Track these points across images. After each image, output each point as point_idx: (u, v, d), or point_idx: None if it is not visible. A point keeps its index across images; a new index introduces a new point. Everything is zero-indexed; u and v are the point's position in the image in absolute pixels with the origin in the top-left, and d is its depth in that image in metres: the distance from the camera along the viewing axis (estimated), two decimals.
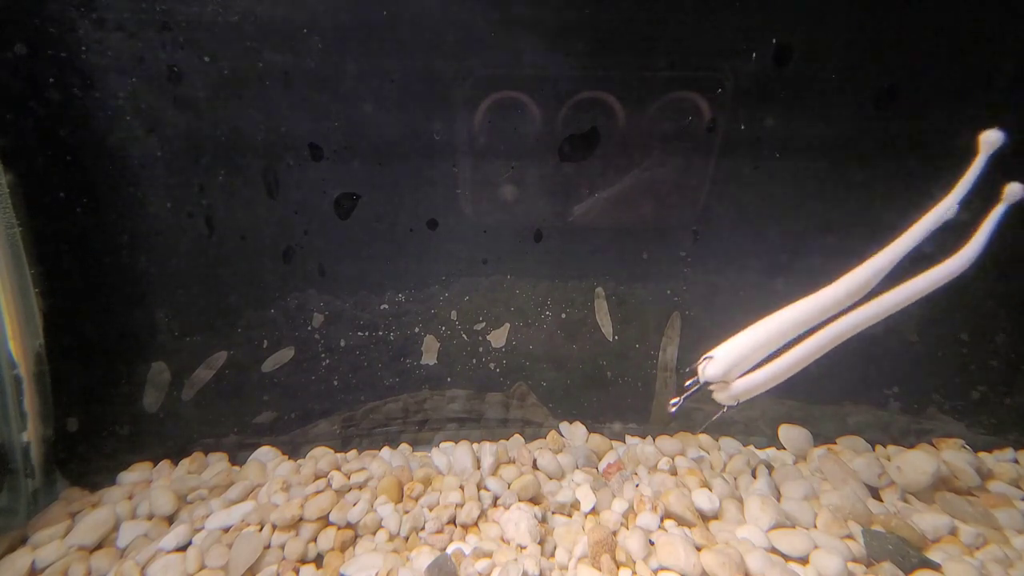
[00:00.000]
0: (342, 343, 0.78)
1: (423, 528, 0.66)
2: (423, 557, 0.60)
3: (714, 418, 0.56)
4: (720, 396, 0.53)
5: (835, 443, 0.80)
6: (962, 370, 0.78)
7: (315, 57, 0.65)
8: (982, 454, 0.77)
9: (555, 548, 0.63)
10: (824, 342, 0.53)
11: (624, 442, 0.82)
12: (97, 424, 0.74)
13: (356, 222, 0.73)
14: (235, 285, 0.74)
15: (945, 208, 0.52)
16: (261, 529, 0.64)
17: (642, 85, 0.68)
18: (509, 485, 0.70)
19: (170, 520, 0.68)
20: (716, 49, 0.67)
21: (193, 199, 0.70)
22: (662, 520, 0.65)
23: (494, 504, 0.69)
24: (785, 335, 0.52)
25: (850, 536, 0.63)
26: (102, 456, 0.75)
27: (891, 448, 0.80)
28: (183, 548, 0.63)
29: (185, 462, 0.77)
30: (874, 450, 0.79)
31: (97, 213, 0.68)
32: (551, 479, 0.73)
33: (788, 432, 0.80)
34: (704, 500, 0.67)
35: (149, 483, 0.73)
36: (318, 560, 0.63)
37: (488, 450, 0.76)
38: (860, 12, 0.65)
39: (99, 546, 0.64)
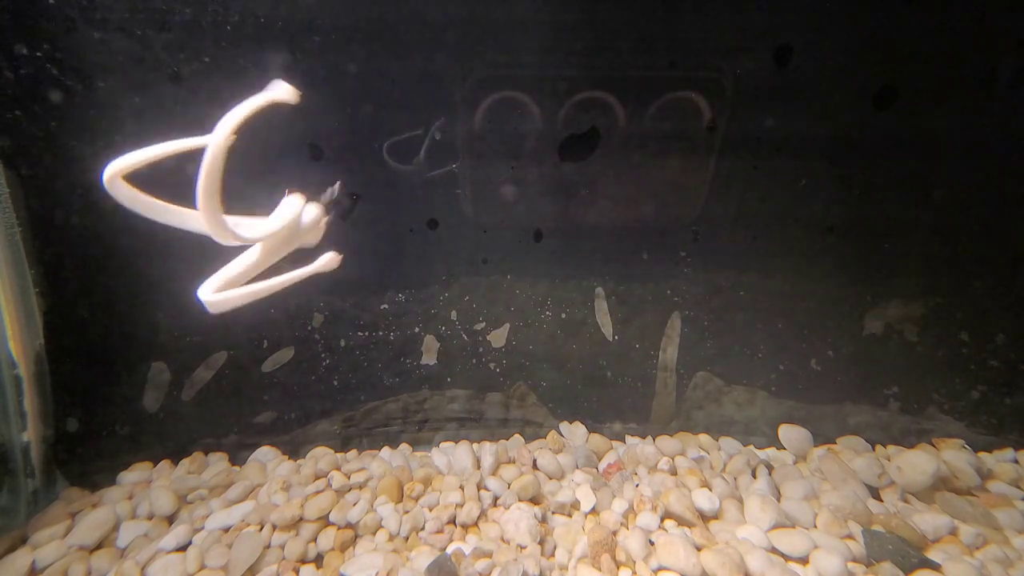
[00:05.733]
0: (342, 343, 0.78)
1: (423, 528, 0.66)
2: (423, 557, 0.60)
3: None
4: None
5: (835, 443, 0.80)
6: (962, 370, 0.78)
7: (315, 57, 0.65)
8: (982, 454, 0.77)
9: (555, 548, 0.63)
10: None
11: (624, 442, 0.82)
12: (97, 424, 0.74)
13: (356, 222, 0.73)
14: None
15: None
16: (261, 529, 0.64)
17: (642, 85, 0.68)
18: (509, 485, 0.70)
19: (170, 520, 0.68)
20: (716, 49, 0.67)
21: (193, 199, 0.70)
22: (662, 520, 0.65)
23: (494, 504, 0.69)
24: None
25: (850, 536, 0.63)
26: (102, 456, 0.75)
27: (891, 448, 0.80)
28: (183, 548, 0.63)
29: (185, 462, 0.77)
30: (874, 450, 0.79)
31: (97, 213, 0.68)
32: (551, 479, 0.73)
33: (788, 432, 0.80)
34: (704, 500, 0.67)
35: (149, 483, 0.73)
36: (318, 560, 0.63)
37: (488, 450, 0.76)
38: (860, 12, 0.65)
39: (99, 546, 0.64)
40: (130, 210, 0.48)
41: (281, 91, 0.47)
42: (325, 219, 0.55)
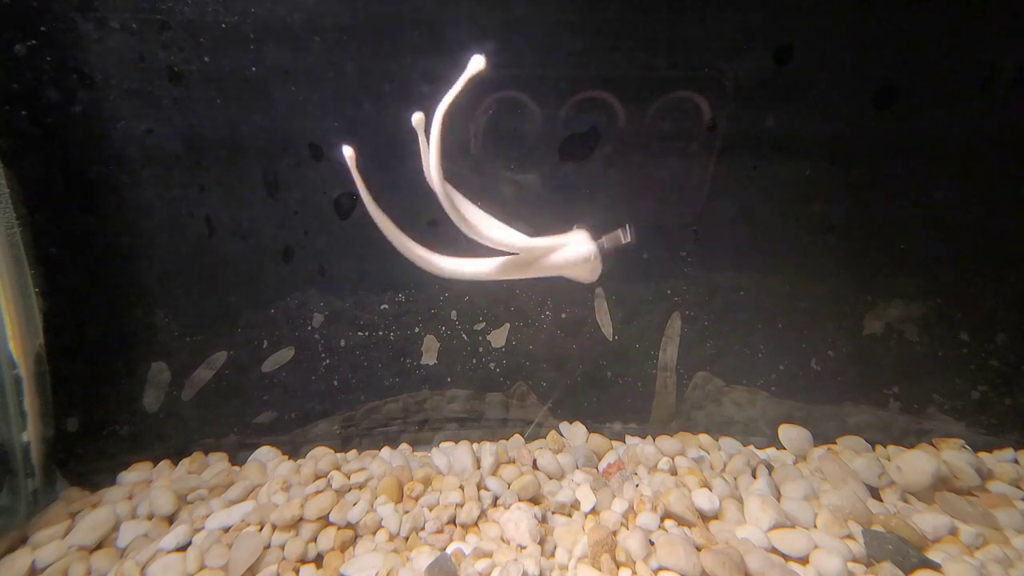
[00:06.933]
0: (342, 343, 0.78)
1: (423, 528, 0.66)
2: (423, 557, 0.60)
3: None
4: None
5: (835, 443, 0.80)
6: (962, 370, 0.78)
7: (315, 57, 0.65)
8: (982, 454, 0.77)
9: (555, 548, 0.63)
10: None
11: (624, 442, 0.82)
12: (97, 424, 0.74)
13: (356, 222, 0.73)
14: (235, 285, 0.74)
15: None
16: (261, 529, 0.64)
17: (642, 85, 0.68)
18: (509, 485, 0.70)
19: (170, 520, 0.68)
20: (716, 49, 0.67)
21: (193, 199, 0.70)
22: (662, 520, 0.65)
23: (494, 504, 0.69)
24: None
25: (850, 536, 0.63)
26: (102, 456, 0.75)
27: (891, 448, 0.80)
28: (183, 548, 0.63)
29: (185, 462, 0.77)
30: (874, 450, 0.79)
31: (97, 213, 0.68)
32: (551, 479, 0.73)
33: (788, 432, 0.80)
34: (704, 500, 0.67)
35: (149, 483, 0.73)
36: (318, 560, 0.63)
37: (488, 450, 0.76)
38: (860, 12, 0.65)
39: (99, 546, 0.64)
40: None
41: (476, 64, 0.49)
42: (598, 260, 0.55)
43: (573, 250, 0.54)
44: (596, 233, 0.57)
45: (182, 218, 0.70)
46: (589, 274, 0.56)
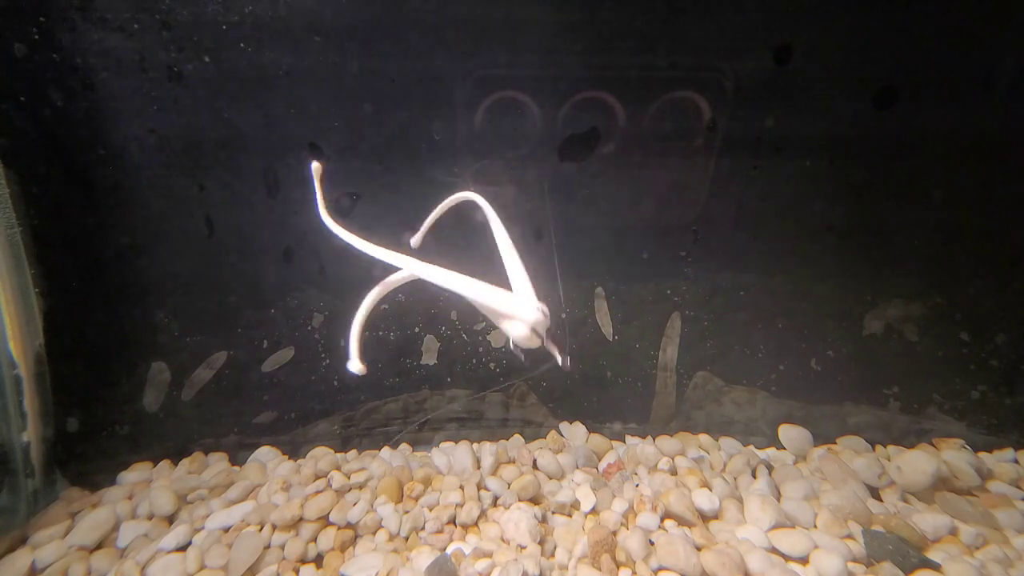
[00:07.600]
0: (342, 343, 0.78)
1: (423, 528, 0.66)
2: (423, 557, 0.60)
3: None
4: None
5: (835, 443, 0.80)
6: (962, 370, 0.78)
7: (315, 57, 0.65)
8: (982, 454, 0.77)
9: (555, 548, 0.63)
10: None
11: (624, 442, 0.82)
12: (97, 424, 0.74)
13: (356, 222, 0.73)
14: (235, 285, 0.74)
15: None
16: (261, 529, 0.64)
17: (642, 85, 0.68)
18: (509, 485, 0.70)
19: (170, 520, 0.68)
20: (716, 49, 0.67)
21: (193, 199, 0.70)
22: (662, 520, 0.65)
23: (494, 504, 0.69)
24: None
25: (850, 536, 0.63)
26: (102, 456, 0.75)
27: (891, 448, 0.80)
28: (183, 548, 0.63)
29: (185, 462, 0.77)
30: (874, 450, 0.79)
31: (97, 213, 0.68)
32: (551, 479, 0.73)
33: (788, 432, 0.80)
34: (704, 500, 0.67)
35: (149, 483, 0.73)
36: (318, 560, 0.63)
37: (488, 450, 0.76)
38: (860, 12, 0.65)
39: (99, 546, 0.64)
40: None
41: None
42: (541, 339, 0.57)
43: (512, 327, 0.56)
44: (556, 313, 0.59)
45: (182, 218, 0.70)
46: (531, 343, 0.58)
